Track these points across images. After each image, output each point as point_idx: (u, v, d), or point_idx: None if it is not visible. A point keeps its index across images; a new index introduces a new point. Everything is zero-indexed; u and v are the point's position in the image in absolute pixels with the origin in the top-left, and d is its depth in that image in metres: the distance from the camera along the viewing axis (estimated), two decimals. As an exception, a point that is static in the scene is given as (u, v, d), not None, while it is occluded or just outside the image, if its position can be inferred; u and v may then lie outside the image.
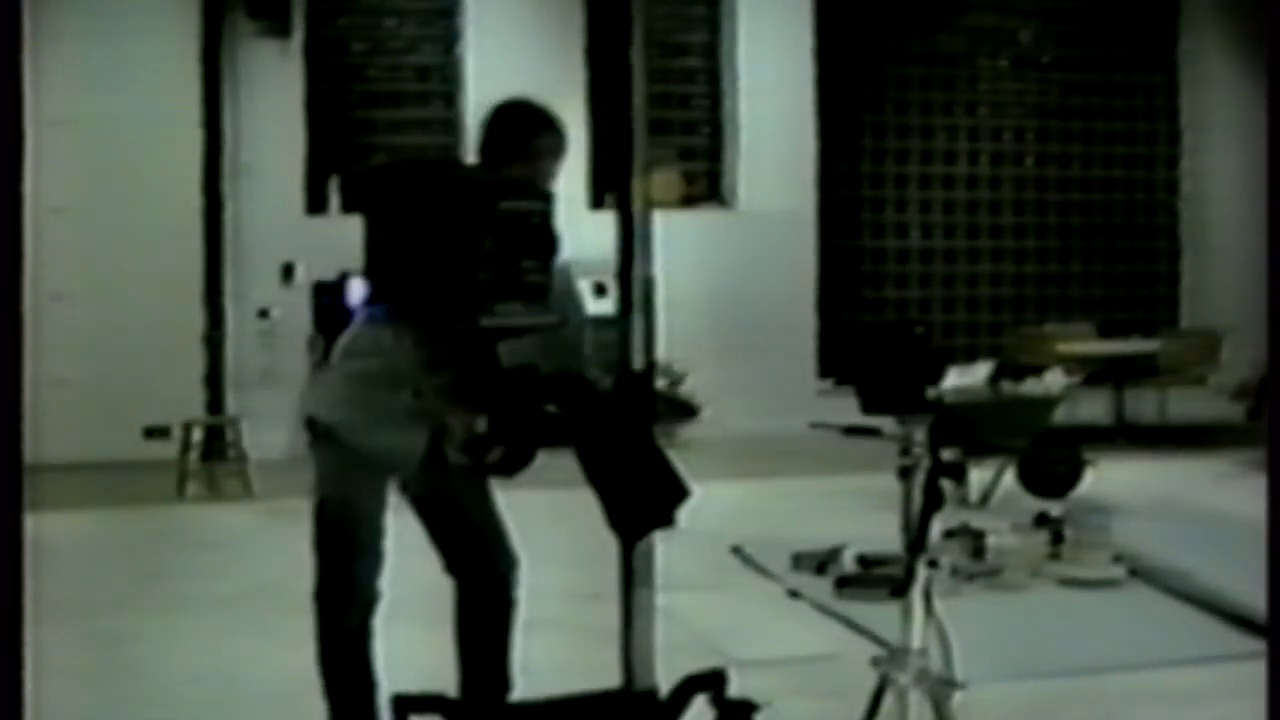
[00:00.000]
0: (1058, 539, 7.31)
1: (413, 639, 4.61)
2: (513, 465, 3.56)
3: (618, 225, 3.04)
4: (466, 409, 3.61)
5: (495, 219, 3.35)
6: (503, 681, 4.21)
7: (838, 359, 12.63)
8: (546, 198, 3.56)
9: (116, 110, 11.49)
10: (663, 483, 3.07)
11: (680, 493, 3.09)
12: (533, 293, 3.44)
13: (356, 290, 10.17)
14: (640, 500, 3.04)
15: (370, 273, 3.80)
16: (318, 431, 4.07)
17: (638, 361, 3.01)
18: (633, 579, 3.05)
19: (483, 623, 4.19)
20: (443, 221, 3.37)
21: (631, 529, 3.03)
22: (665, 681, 3.22)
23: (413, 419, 3.86)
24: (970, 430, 7.31)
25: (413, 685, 3.51)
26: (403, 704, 3.36)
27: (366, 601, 4.06)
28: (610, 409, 3.13)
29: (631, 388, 3.03)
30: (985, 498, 8.99)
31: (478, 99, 11.25)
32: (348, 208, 11.51)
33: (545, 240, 3.46)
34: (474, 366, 3.73)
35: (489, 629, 4.19)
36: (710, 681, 3.27)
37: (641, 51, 3.14)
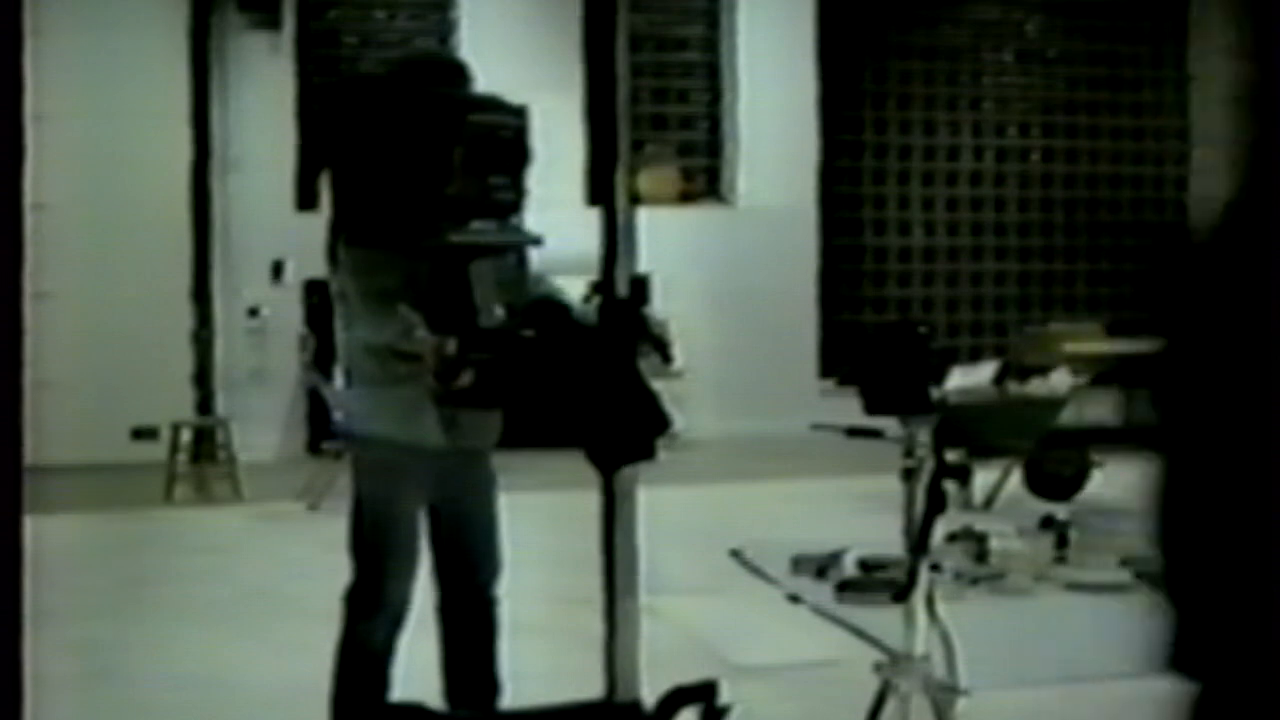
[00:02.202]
0: (1063, 542, 7.37)
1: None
2: (489, 395, 3.43)
3: (602, 221, 2.98)
4: (437, 331, 3.54)
5: (463, 133, 3.28)
6: (491, 687, 4.16)
7: (840, 359, 12.63)
8: (519, 112, 3.47)
9: (103, 105, 11.46)
10: (644, 412, 2.98)
11: (662, 423, 3.00)
12: (503, 209, 3.38)
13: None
14: (620, 430, 2.94)
15: (338, 194, 3.72)
16: (351, 441, 4.11)
17: (622, 289, 2.94)
18: (615, 581, 2.96)
19: (465, 630, 4.15)
20: (409, 135, 3.29)
21: (610, 459, 2.93)
22: (661, 687, 3.13)
23: (424, 408, 3.82)
24: (974, 431, 7.26)
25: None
26: (386, 713, 3.26)
27: (396, 615, 4.00)
28: (591, 335, 3.04)
29: (616, 315, 2.95)
30: (990, 500, 9.00)
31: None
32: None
33: (516, 155, 3.40)
34: (443, 287, 3.66)
35: (472, 635, 4.16)
36: (700, 693, 3.16)
37: (627, 46, 3.10)
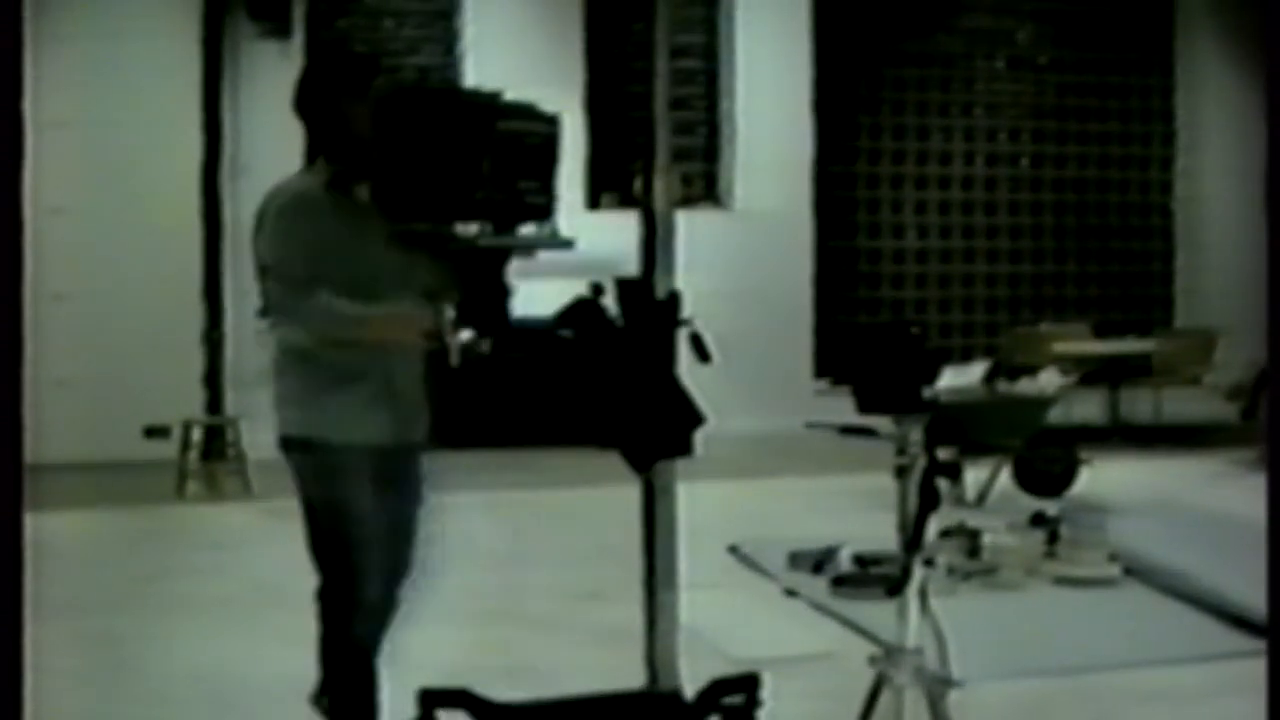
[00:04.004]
0: (1053, 538, 7.30)
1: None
2: (528, 391, 3.49)
3: (641, 225, 3.02)
4: (474, 330, 3.61)
5: (492, 139, 3.32)
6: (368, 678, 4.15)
7: (834, 359, 12.61)
8: (550, 120, 3.51)
9: (116, 111, 11.46)
10: (679, 409, 3.03)
11: (695, 419, 3.04)
12: (534, 212, 3.42)
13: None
14: (658, 428, 2.99)
15: (374, 196, 3.83)
16: (292, 445, 4.09)
17: (661, 290, 2.99)
18: (654, 574, 3.00)
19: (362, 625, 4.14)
20: (440, 142, 3.35)
21: (646, 456, 2.98)
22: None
23: (370, 407, 3.92)
24: (966, 430, 7.30)
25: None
26: (429, 698, 3.30)
27: (375, 611, 4.02)
28: (628, 335, 3.07)
29: (653, 315, 3.00)
30: (981, 497, 9.01)
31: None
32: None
33: (545, 160, 3.42)
34: (474, 288, 3.75)
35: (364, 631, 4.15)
36: (742, 685, 3.13)
37: (668, 55, 3.17)
